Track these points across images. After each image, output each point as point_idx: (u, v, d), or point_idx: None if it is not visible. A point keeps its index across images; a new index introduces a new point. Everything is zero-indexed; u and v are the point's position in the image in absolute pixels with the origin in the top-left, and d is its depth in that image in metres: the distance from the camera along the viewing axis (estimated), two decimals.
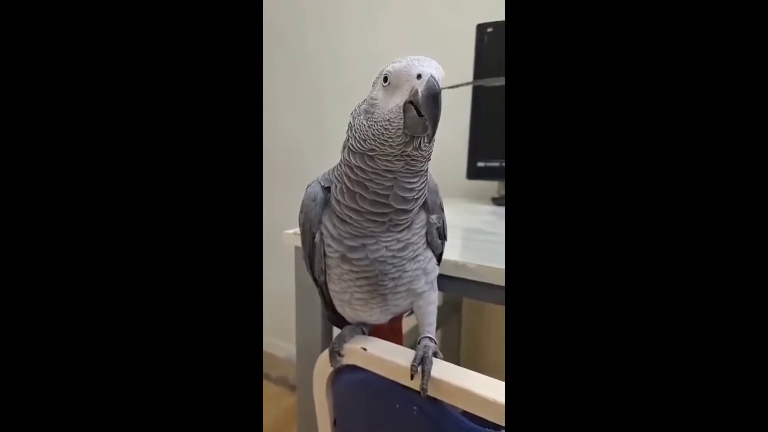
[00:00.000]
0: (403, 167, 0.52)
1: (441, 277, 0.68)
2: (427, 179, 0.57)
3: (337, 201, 0.57)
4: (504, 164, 1.24)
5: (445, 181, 0.62)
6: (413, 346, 0.61)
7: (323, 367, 0.67)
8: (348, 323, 0.70)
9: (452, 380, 0.54)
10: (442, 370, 0.56)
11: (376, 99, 0.53)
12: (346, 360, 0.64)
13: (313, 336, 0.92)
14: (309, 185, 0.61)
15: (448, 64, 0.51)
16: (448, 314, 1.46)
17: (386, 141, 0.51)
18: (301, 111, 2.00)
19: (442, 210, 0.63)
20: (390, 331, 0.73)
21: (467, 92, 1.30)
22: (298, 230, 0.84)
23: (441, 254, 0.67)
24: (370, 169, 0.53)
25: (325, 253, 0.61)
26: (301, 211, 0.62)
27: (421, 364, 0.55)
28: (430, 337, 0.62)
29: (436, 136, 0.51)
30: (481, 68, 1.28)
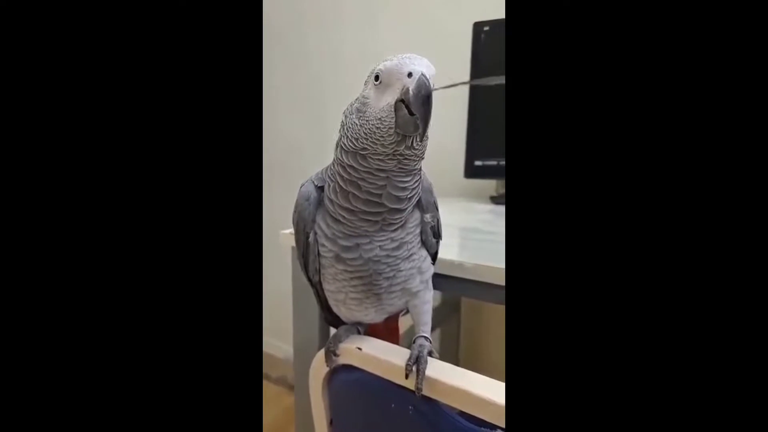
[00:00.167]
0: (395, 166, 0.52)
1: (440, 277, 0.68)
2: (420, 178, 0.57)
3: (331, 200, 0.57)
4: (502, 163, 1.24)
5: (442, 180, 0.62)
6: (410, 346, 0.61)
7: (319, 367, 0.67)
8: (344, 323, 0.70)
9: (447, 379, 0.54)
10: (437, 369, 0.55)
11: (367, 98, 0.52)
12: (342, 360, 0.64)
13: (310, 336, 0.92)
14: (302, 184, 0.61)
15: (445, 62, 0.51)
16: (447, 314, 1.46)
17: (378, 140, 0.51)
18: (300, 111, 2.00)
19: (437, 209, 0.63)
20: (386, 330, 0.73)
21: (464, 91, 1.30)
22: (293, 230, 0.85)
23: (436, 253, 0.67)
24: (362, 168, 0.53)
25: (319, 253, 0.61)
26: (295, 211, 0.62)
27: (416, 363, 0.55)
28: (425, 337, 0.62)
29: (433, 135, 0.51)
30: (477, 67, 1.28)
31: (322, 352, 0.66)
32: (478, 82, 1.07)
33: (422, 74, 0.48)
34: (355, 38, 1.78)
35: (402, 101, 0.49)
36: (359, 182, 0.54)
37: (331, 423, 0.71)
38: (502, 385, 0.51)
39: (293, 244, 0.87)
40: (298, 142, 2.02)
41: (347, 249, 0.58)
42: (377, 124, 0.50)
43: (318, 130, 1.95)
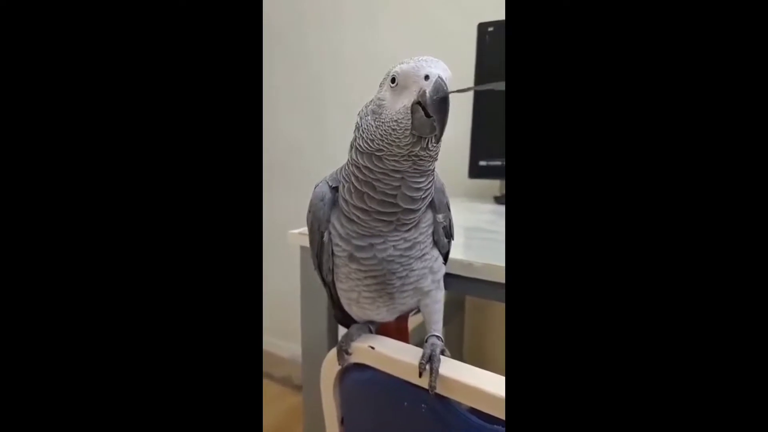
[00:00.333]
0: (410, 167, 0.53)
1: (444, 276, 0.69)
2: (434, 178, 0.57)
3: (345, 201, 0.58)
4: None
5: (447, 179, 0.62)
6: (419, 344, 0.61)
7: (331, 365, 0.68)
8: (355, 322, 0.70)
9: (460, 377, 0.55)
10: (450, 367, 0.56)
11: (383, 99, 0.53)
12: (354, 358, 0.64)
13: (318, 335, 0.92)
14: (317, 185, 0.62)
15: (449, 63, 0.51)
16: (452, 312, 1.47)
17: (394, 141, 0.51)
18: (301, 111, 2.00)
19: (449, 209, 0.63)
20: (396, 330, 0.74)
21: (469, 92, 1.31)
22: (303, 230, 0.85)
23: (447, 253, 0.67)
24: (377, 169, 0.54)
25: (333, 253, 0.62)
26: (310, 211, 0.62)
27: (429, 361, 0.56)
28: (437, 336, 0.62)
29: None
30: (482, 68, 1.29)
31: (334, 350, 0.67)
32: (485, 87, 1.08)
33: (439, 77, 0.48)
34: (356, 38, 1.78)
35: (419, 103, 0.49)
36: (374, 183, 0.54)
37: (342, 422, 0.71)
38: None
39: (302, 243, 0.88)
40: (299, 142, 2.02)
41: (361, 248, 0.58)
42: (393, 125, 0.51)
43: (318, 130, 1.95)
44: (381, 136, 0.52)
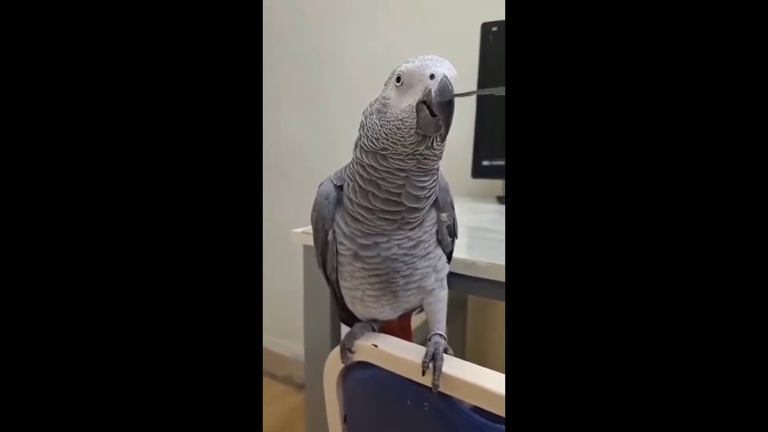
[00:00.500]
0: (415, 166, 0.53)
1: (447, 275, 0.69)
2: (438, 178, 0.57)
3: (350, 199, 0.58)
4: None
5: (450, 179, 0.63)
6: (422, 343, 0.62)
7: (334, 364, 0.68)
8: (358, 321, 0.71)
9: (463, 376, 0.55)
10: (453, 366, 0.56)
11: (388, 98, 0.53)
12: (357, 357, 0.65)
13: (321, 334, 0.92)
14: (321, 183, 0.62)
15: (452, 62, 0.51)
16: (454, 311, 1.47)
17: (399, 140, 0.52)
18: (303, 111, 2.00)
19: (453, 208, 0.64)
20: (399, 328, 0.74)
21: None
22: (305, 229, 0.86)
23: (451, 252, 0.67)
24: (382, 168, 0.54)
25: (337, 251, 0.62)
26: (314, 209, 0.62)
27: (433, 360, 0.56)
28: (440, 334, 0.62)
29: None
30: (485, 67, 1.29)
31: (337, 349, 0.67)
32: (488, 92, 1.06)
33: (444, 76, 0.49)
34: (358, 38, 1.78)
35: (424, 102, 0.50)
36: (379, 181, 0.54)
37: (345, 420, 0.71)
38: None
39: (305, 242, 0.88)
40: (301, 142, 2.02)
41: (365, 247, 0.59)
42: (398, 124, 0.51)
43: (321, 129, 1.95)
44: (386, 134, 0.52)
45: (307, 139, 2.00)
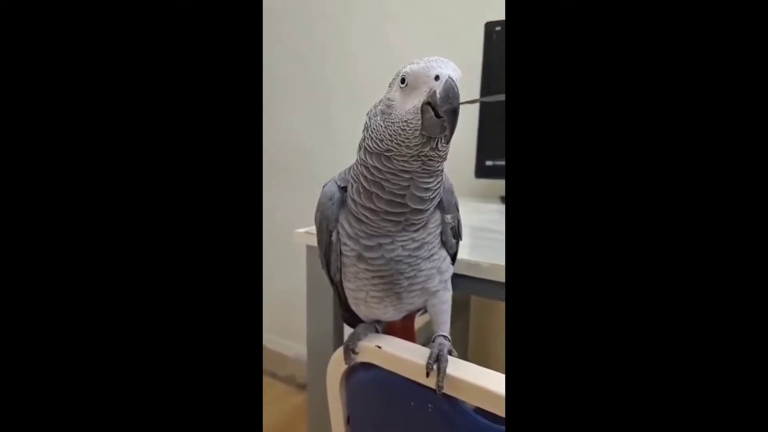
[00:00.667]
0: (419, 167, 0.53)
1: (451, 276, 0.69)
2: (442, 179, 0.57)
3: (354, 201, 0.58)
4: None
5: (453, 179, 0.63)
6: (425, 344, 0.62)
7: (337, 364, 0.68)
8: (362, 322, 0.70)
9: (467, 377, 0.55)
10: (457, 367, 0.56)
11: (393, 100, 0.53)
12: (361, 357, 0.64)
13: (324, 334, 0.93)
14: (325, 184, 0.62)
15: (456, 62, 0.51)
16: (457, 312, 1.47)
17: (403, 141, 0.51)
18: (306, 110, 2.00)
19: (457, 209, 0.63)
20: (403, 330, 0.74)
21: (476, 92, 1.31)
22: (309, 229, 0.86)
23: (455, 254, 0.67)
24: (386, 169, 0.54)
25: (341, 252, 0.62)
26: (318, 210, 0.62)
27: (437, 361, 0.56)
28: (444, 336, 0.62)
29: None
30: (489, 67, 1.29)
31: (340, 349, 0.67)
32: (489, 99, 1.07)
33: (449, 77, 0.48)
34: (362, 37, 1.79)
35: (429, 104, 0.49)
36: (383, 183, 0.54)
37: (348, 421, 0.71)
38: None
39: (308, 242, 0.88)
40: (305, 142, 2.02)
41: (369, 248, 0.59)
42: (403, 126, 0.51)
43: (325, 129, 1.95)
44: (390, 136, 0.52)
45: (309, 139, 2.00)
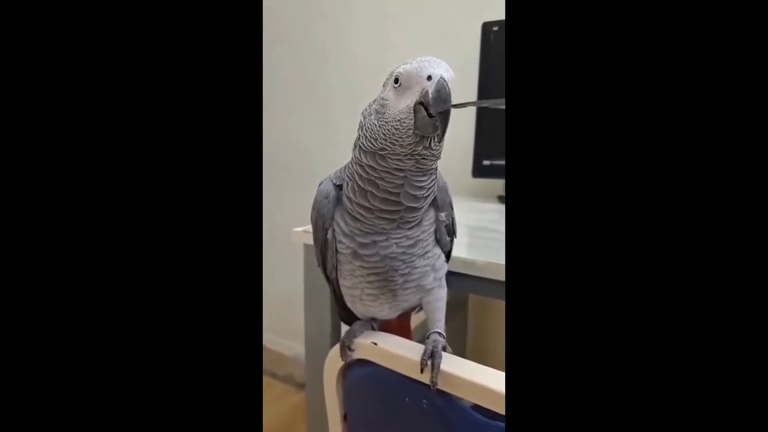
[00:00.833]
0: (413, 166, 0.54)
1: (449, 274, 0.70)
2: (436, 177, 0.58)
3: (349, 199, 0.58)
4: None
5: (450, 179, 0.63)
6: (421, 342, 0.62)
7: (333, 362, 0.68)
8: (358, 320, 0.71)
9: (461, 374, 0.55)
10: (452, 363, 0.57)
11: (386, 99, 0.54)
12: (357, 354, 0.65)
13: (321, 333, 0.93)
14: (321, 183, 0.63)
15: (454, 62, 0.52)
16: (455, 310, 1.47)
17: (397, 140, 0.52)
18: (305, 110, 2.01)
19: (452, 208, 0.64)
20: (398, 328, 0.74)
21: (473, 90, 1.31)
22: (306, 228, 0.86)
23: (450, 251, 0.68)
24: (381, 168, 0.54)
25: (336, 250, 0.63)
26: (314, 208, 0.63)
27: (431, 358, 0.56)
28: (439, 332, 0.63)
29: None
30: (486, 67, 1.29)
31: (337, 347, 0.67)
32: (485, 104, 1.06)
33: (441, 77, 0.49)
34: (362, 37, 1.79)
35: (421, 103, 0.50)
36: (377, 181, 0.55)
37: (345, 418, 0.72)
38: None
39: (305, 241, 0.89)
40: (304, 141, 2.03)
41: (364, 246, 0.59)
42: (396, 125, 0.52)
43: (325, 128, 1.95)
44: (384, 135, 0.53)
45: (309, 139, 2.01)
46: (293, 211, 2.00)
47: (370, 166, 0.55)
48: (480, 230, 1.02)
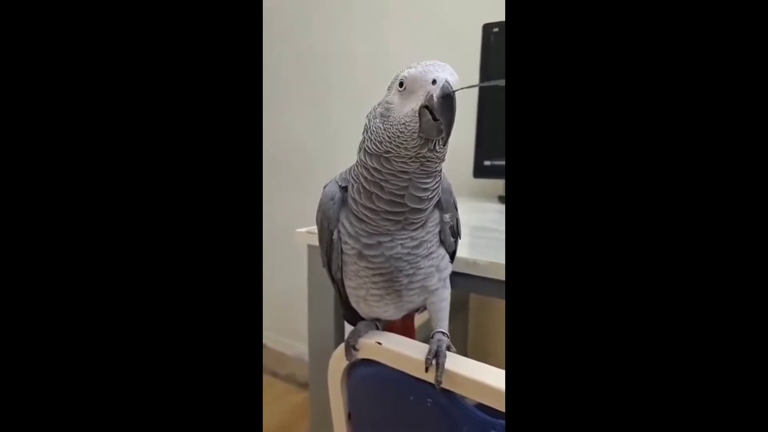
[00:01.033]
0: (418, 168, 0.54)
1: (449, 274, 0.70)
2: (440, 179, 0.58)
3: (354, 200, 0.59)
4: None
5: (451, 179, 0.64)
6: (425, 341, 0.63)
7: (338, 361, 0.69)
8: (362, 320, 0.72)
9: (466, 372, 0.56)
10: (456, 362, 0.57)
11: (391, 103, 0.54)
12: (361, 354, 0.66)
13: (325, 333, 0.94)
14: (326, 185, 0.63)
15: (454, 63, 0.52)
16: (456, 310, 1.48)
17: (402, 143, 0.53)
18: (306, 110, 2.01)
19: (456, 209, 0.65)
20: (402, 328, 0.75)
21: (474, 91, 1.32)
22: (310, 229, 0.87)
23: (454, 252, 0.69)
24: (385, 170, 0.55)
25: (342, 251, 0.63)
26: (319, 210, 0.64)
27: (436, 357, 0.57)
28: (443, 332, 0.64)
29: None
30: (487, 68, 1.30)
31: (341, 347, 0.68)
32: (485, 84, 1.08)
33: (446, 81, 0.50)
34: (362, 38, 1.80)
35: (426, 107, 0.51)
36: (382, 183, 0.56)
37: (349, 417, 0.72)
38: None
39: (309, 242, 0.90)
40: (306, 142, 2.03)
41: (370, 246, 0.60)
42: (401, 128, 0.52)
43: (326, 130, 1.96)
44: (389, 138, 0.53)
45: (309, 139, 2.01)
46: (293, 210, 2.01)
47: (375, 169, 0.56)
48: (481, 230, 1.03)
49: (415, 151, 0.53)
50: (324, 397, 0.74)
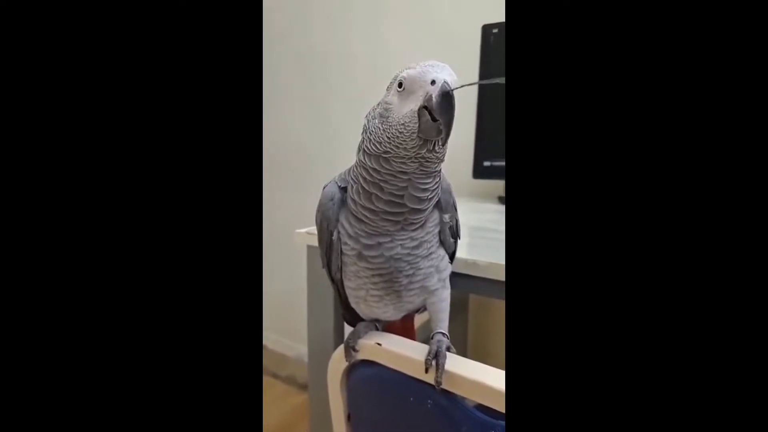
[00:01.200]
0: (417, 169, 0.54)
1: (449, 275, 0.70)
2: (440, 179, 0.58)
3: (354, 201, 0.59)
4: None
5: (451, 180, 0.64)
6: (424, 342, 0.63)
7: (338, 362, 0.69)
8: (362, 321, 0.72)
9: (466, 373, 0.56)
10: (456, 363, 0.57)
11: (390, 103, 0.54)
12: (361, 355, 0.65)
13: (325, 334, 0.93)
14: (326, 185, 0.63)
15: (454, 64, 0.52)
16: (455, 311, 1.48)
17: (401, 144, 0.53)
18: (306, 111, 2.01)
19: (455, 209, 0.65)
20: (402, 329, 0.75)
21: (473, 91, 1.32)
22: (309, 229, 0.87)
23: (454, 253, 0.69)
24: (385, 171, 0.55)
25: (341, 251, 0.63)
26: (319, 211, 0.64)
27: (436, 358, 0.57)
28: (442, 333, 0.63)
29: None
30: (486, 69, 1.30)
31: (341, 348, 0.68)
32: (484, 82, 1.09)
33: (445, 81, 0.50)
34: (362, 38, 1.80)
35: (425, 107, 0.51)
36: (381, 184, 0.56)
37: (348, 418, 0.72)
38: None
39: (308, 242, 0.89)
40: (306, 142, 2.03)
41: (369, 247, 0.60)
42: (400, 129, 0.52)
43: (326, 130, 1.96)
44: (388, 138, 0.53)
45: (309, 139, 2.01)
46: (293, 210, 2.01)
47: (374, 169, 0.56)
48: (480, 231, 1.03)
49: (415, 152, 0.53)
50: (323, 398, 0.74)
